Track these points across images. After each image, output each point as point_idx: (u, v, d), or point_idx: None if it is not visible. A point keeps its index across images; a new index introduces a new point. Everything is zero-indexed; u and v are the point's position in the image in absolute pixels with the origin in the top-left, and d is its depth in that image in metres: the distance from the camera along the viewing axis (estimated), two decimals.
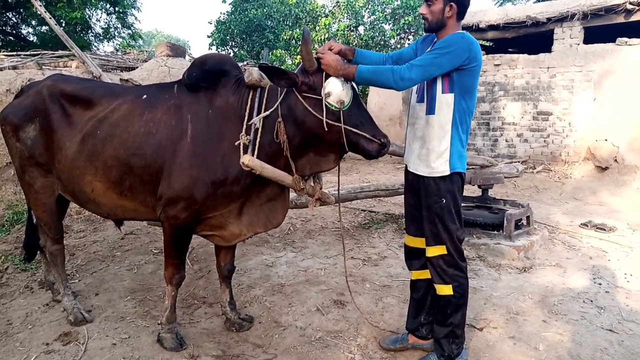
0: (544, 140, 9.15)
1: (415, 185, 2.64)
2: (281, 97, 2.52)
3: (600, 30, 8.74)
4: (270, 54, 21.69)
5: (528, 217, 4.82)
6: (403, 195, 2.91)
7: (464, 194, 5.23)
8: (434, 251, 2.54)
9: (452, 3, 2.42)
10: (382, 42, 18.40)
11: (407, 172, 2.71)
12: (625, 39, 8.27)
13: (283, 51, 22.97)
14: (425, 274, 2.71)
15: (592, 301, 3.46)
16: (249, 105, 2.59)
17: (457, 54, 2.33)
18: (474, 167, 4.93)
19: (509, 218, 4.41)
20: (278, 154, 2.58)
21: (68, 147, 2.78)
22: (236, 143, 2.52)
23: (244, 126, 2.55)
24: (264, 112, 2.55)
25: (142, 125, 2.66)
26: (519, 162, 9.18)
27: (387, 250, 4.54)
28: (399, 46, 20.44)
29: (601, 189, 7.92)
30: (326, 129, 2.40)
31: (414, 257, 2.81)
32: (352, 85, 2.45)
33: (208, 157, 2.58)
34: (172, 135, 2.61)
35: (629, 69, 8.12)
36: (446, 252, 2.51)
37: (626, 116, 8.12)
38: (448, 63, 2.34)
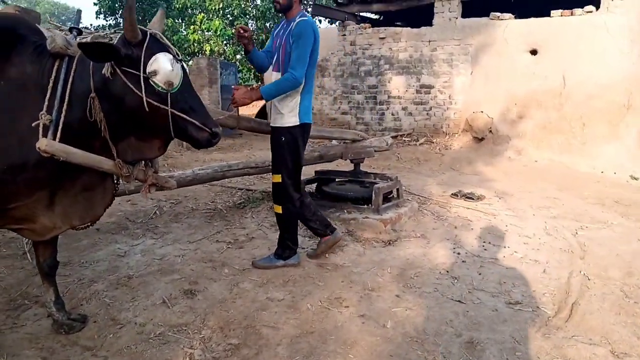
0: (427, 113, 9.43)
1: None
2: (93, 68, 2.20)
3: (478, 4, 9.06)
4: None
5: (398, 190, 4.85)
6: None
7: (339, 169, 5.17)
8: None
9: None
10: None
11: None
12: (497, 13, 8.65)
13: (177, 20, 21.77)
14: None
15: (448, 272, 3.51)
16: (52, 78, 2.21)
17: (311, 40, 3.16)
18: (345, 141, 4.85)
19: (377, 191, 4.39)
20: (92, 135, 2.26)
21: None
22: (34, 124, 2.15)
23: (46, 103, 2.18)
24: (70, 85, 2.21)
25: None
26: (403, 135, 9.41)
27: (257, 230, 4.35)
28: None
29: (477, 159, 8.32)
30: (147, 110, 2.15)
31: None
32: (182, 66, 2.24)
33: (1, 137, 2.18)
34: None
35: (501, 43, 8.52)
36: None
37: (499, 88, 8.56)
38: (310, 48, 3.17)
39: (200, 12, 20.34)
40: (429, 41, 9.21)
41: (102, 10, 21.61)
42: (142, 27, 2.22)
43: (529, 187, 6.50)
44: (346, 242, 4.03)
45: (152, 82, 2.15)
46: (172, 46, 2.27)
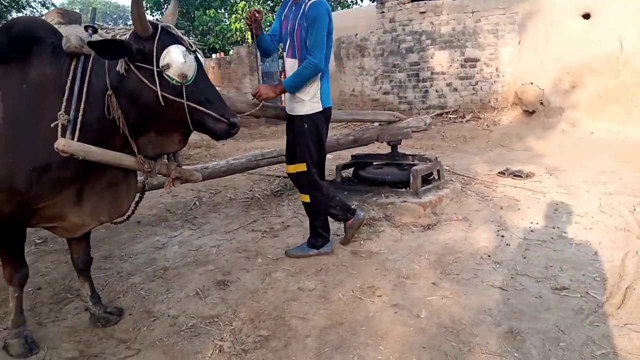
0: (473, 88, 9.04)
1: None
2: (109, 65, 2.20)
3: None
4: (203, 14, 20.72)
5: (439, 171, 4.67)
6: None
7: (376, 152, 5.04)
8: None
9: None
10: None
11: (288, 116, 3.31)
12: None
13: (220, 11, 21.97)
14: None
15: (489, 256, 3.33)
16: (70, 77, 2.23)
17: (326, 23, 3.02)
18: (380, 123, 4.70)
19: (415, 174, 4.23)
20: (112, 133, 2.27)
21: None
22: (52, 125, 2.17)
23: (64, 103, 2.20)
24: (87, 83, 2.21)
25: None
26: (448, 112, 9.08)
27: (292, 218, 4.31)
28: None
29: (528, 133, 7.91)
30: (163, 105, 2.14)
31: None
32: (196, 57, 2.19)
33: (25, 139, 2.21)
34: None
35: (550, 9, 8.00)
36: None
37: (549, 57, 8.06)
38: (325, 31, 3.02)
39: (241, 0, 20.42)
40: (472, 12, 8.78)
41: (148, 5, 22.13)
42: (153, 21, 2.19)
43: (583, 161, 6.10)
44: (383, 227, 3.92)
45: (165, 76, 2.13)
46: (184, 37, 2.23)
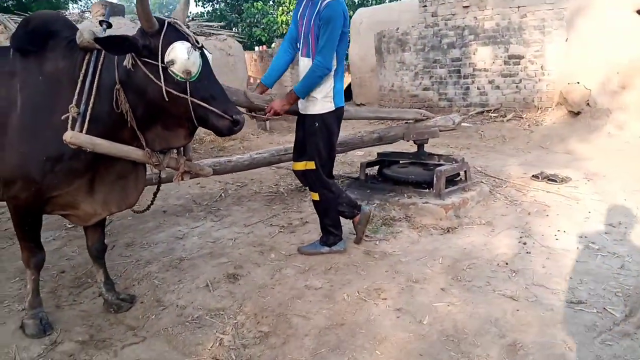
0: (516, 86, 8.72)
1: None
2: (118, 60, 2.26)
3: None
4: (251, 6, 20.97)
5: (466, 172, 4.54)
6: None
7: (402, 151, 4.97)
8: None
9: None
10: None
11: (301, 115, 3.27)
12: None
13: (268, 3, 22.18)
14: None
15: (507, 264, 3.22)
16: (82, 71, 2.31)
17: (341, 23, 2.97)
18: (407, 121, 4.62)
19: (438, 174, 4.13)
20: (121, 126, 2.35)
21: None
22: (63, 117, 2.25)
23: (75, 96, 2.28)
24: (98, 78, 2.29)
25: None
26: (490, 110, 8.82)
27: (312, 214, 4.28)
28: None
29: (571, 135, 7.56)
30: (168, 100, 2.18)
31: None
32: (202, 53, 2.23)
33: (40, 130, 2.32)
34: (2, 108, 2.34)
35: (601, 4, 7.58)
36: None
37: (598, 56, 7.65)
38: (339, 32, 2.99)
39: None
40: (518, 7, 8.45)
41: None
42: (160, 17, 2.23)
43: (627, 166, 5.78)
44: (401, 228, 3.87)
45: (170, 72, 2.17)
46: (191, 34, 2.26)
